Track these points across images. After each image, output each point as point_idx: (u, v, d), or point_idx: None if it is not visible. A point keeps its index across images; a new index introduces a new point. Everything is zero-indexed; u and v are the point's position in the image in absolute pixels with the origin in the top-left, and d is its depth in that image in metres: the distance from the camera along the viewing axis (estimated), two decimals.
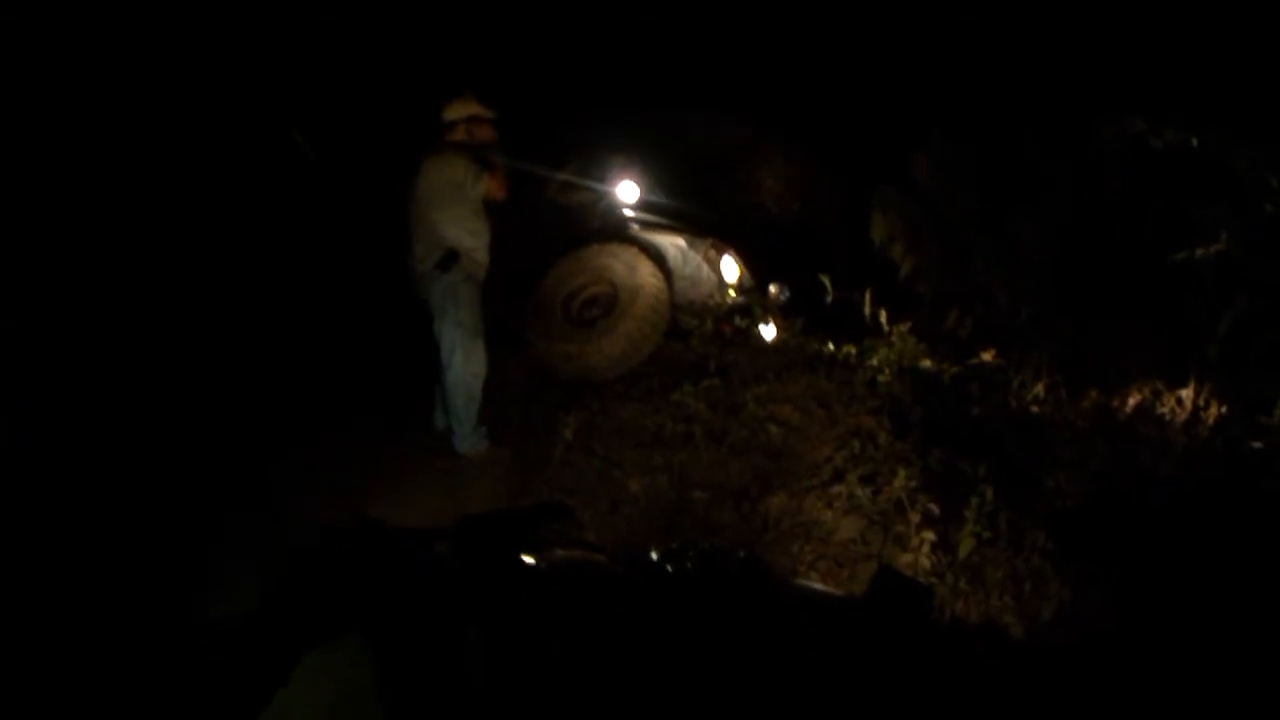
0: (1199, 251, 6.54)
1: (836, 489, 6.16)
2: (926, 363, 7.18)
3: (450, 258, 7.27)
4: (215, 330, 8.49)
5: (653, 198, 8.58)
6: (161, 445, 7.23)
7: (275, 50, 9.65)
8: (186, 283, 8.74)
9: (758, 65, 9.72)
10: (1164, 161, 6.92)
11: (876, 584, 2.80)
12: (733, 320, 8.08)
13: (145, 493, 6.64)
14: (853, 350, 7.34)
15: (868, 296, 7.61)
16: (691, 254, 8.62)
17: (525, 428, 7.81)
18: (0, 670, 4.51)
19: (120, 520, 6.33)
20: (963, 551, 5.59)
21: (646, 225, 8.58)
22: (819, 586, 4.40)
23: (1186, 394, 6.48)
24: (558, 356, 8.10)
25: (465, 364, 7.37)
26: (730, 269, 8.54)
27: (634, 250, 8.31)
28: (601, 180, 8.61)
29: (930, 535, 5.66)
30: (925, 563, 5.59)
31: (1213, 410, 6.33)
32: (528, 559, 2.83)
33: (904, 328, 7.35)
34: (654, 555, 2.90)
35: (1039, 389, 6.85)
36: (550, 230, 8.76)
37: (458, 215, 7.31)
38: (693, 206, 8.77)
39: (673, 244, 8.61)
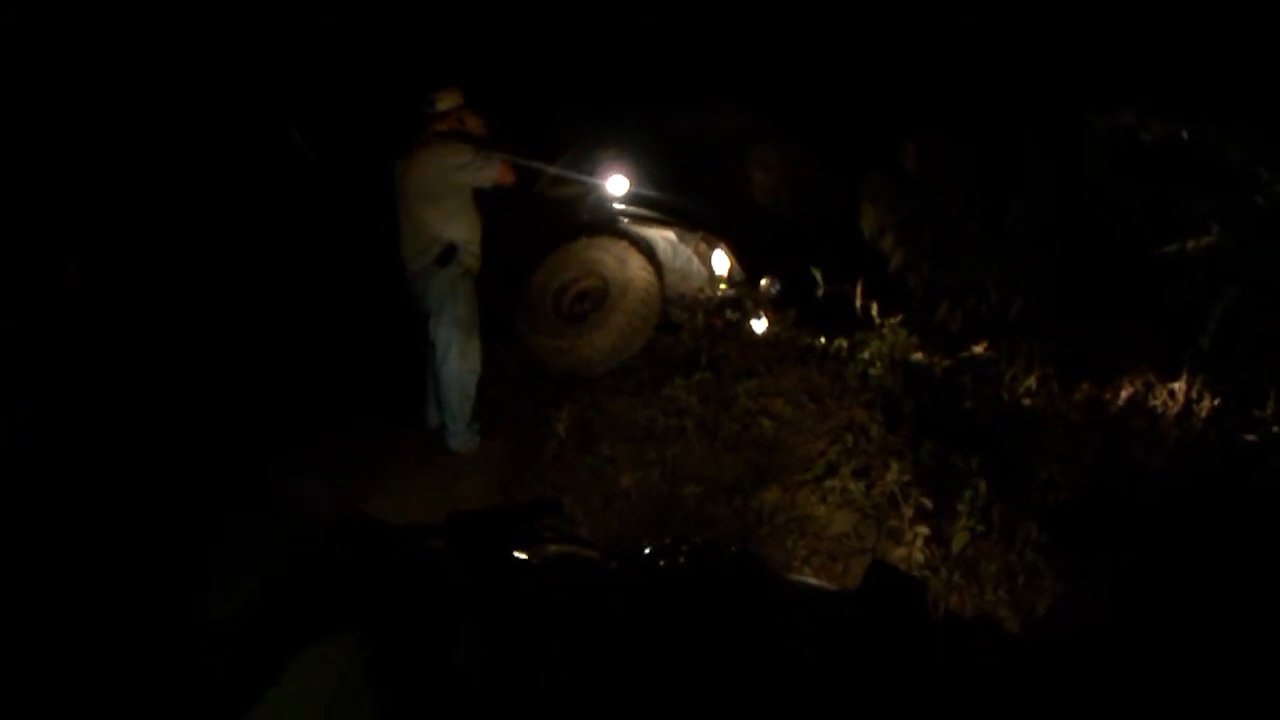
0: (1190, 244, 6.54)
1: (829, 483, 6.15)
2: (918, 356, 7.16)
3: (450, 252, 7.21)
4: (215, 330, 8.49)
5: (643, 191, 8.56)
6: (161, 444, 7.22)
7: (275, 50, 9.64)
8: (186, 282, 8.73)
9: (749, 58, 9.72)
10: (1155, 153, 6.92)
11: (870, 578, 2.79)
12: (724, 313, 8.06)
13: (145, 492, 6.63)
14: (844, 343, 7.33)
15: (859, 289, 7.59)
16: (682, 247, 8.61)
17: (517, 422, 7.80)
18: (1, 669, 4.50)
19: (120, 520, 6.31)
20: (956, 545, 5.58)
21: (636, 219, 8.57)
22: (813, 581, 4.38)
23: (1179, 386, 6.48)
24: (549, 351, 8.09)
25: (461, 361, 7.34)
26: (721, 262, 8.53)
27: (624, 244, 8.30)
28: (591, 174, 8.59)
29: (924, 529, 5.65)
30: (919, 557, 5.58)
31: (1205, 403, 6.33)
32: (521, 555, 2.81)
33: (895, 320, 7.34)
34: (646, 550, 2.89)
35: (1031, 382, 6.84)
36: (540, 224, 8.74)
37: (455, 208, 7.25)
38: (683, 200, 8.76)
39: (663, 237, 8.59)
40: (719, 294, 8.32)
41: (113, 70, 8.90)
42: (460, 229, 7.27)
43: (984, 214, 8.04)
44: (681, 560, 2.81)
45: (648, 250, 8.44)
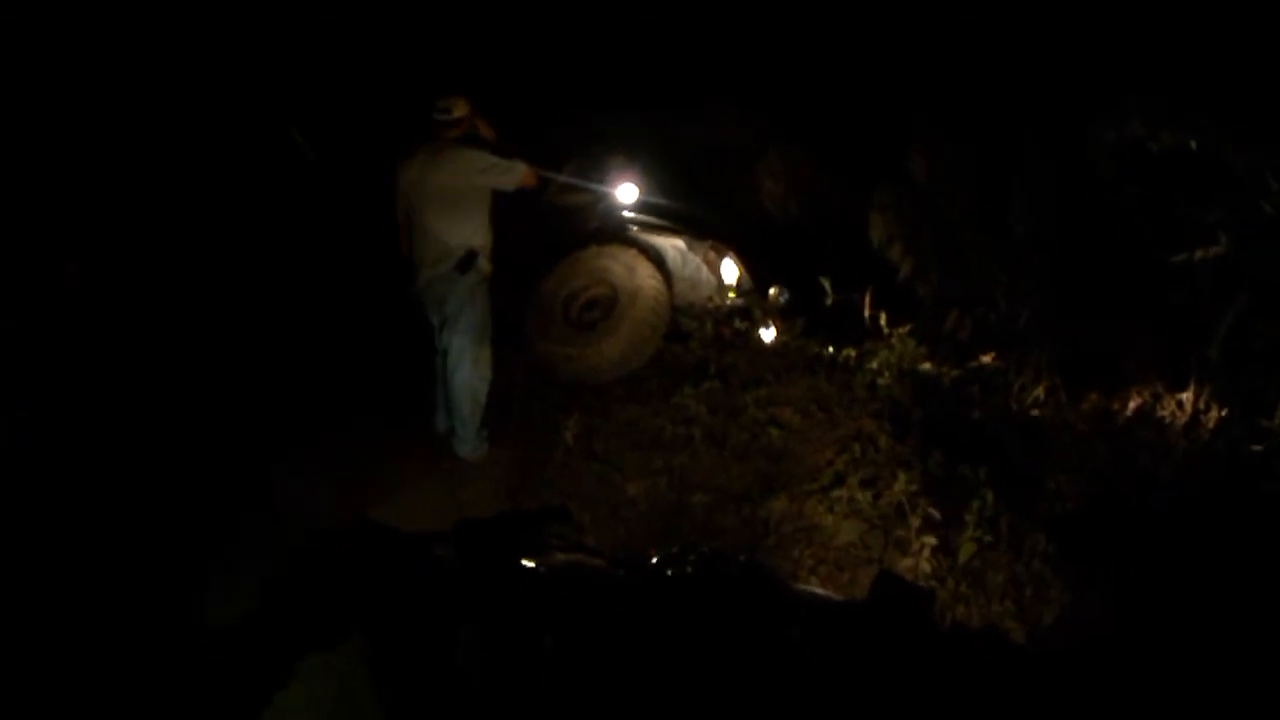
0: (1198, 253, 6.53)
1: (837, 493, 6.15)
2: (926, 365, 7.17)
3: (471, 258, 7.20)
4: (215, 330, 8.49)
5: (652, 199, 8.55)
6: (163, 446, 7.22)
7: (275, 50, 9.64)
8: (187, 282, 8.73)
9: (757, 66, 9.71)
10: (1162, 162, 6.92)
11: (877, 589, 2.80)
12: (732, 322, 8.07)
13: (145, 493, 6.64)
14: (852, 353, 7.33)
15: (867, 298, 7.59)
16: (691, 256, 8.61)
17: (525, 430, 7.80)
18: (1, 671, 4.50)
19: (120, 520, 6.32)
20: (963, 556, 5.59)
21: (645, 227, 8.57)
22: (820, 591, 4.39)
23: (1187, 397, 6.48)
24: (558, 358, 8.09)
25: (474, 368, 7.34)
26: (730, 271, 8.52)
27: (633, 252, 8.30)
28: (600, 182, 8.58)
29: (931, 540, 5.65)
30: (926, 567, 5.59)
31: (1213, 413, 6.32)
32: (528, 563, 2.82)
33: (904, 330, 7.33)
34: (654, 559, 2.89)
35: (1039, 392, 6.84)
36: (550, 232, 8.74)
37: (475, 213, 7.24)
38: (692, 208, 8.75)
39: (672, 246, 8.60)
40: (728, 303, 8.32)
41: (113, 70, 8.90)
42: (480, 235, 7.26)
43: (991, 222, 8.03)
44: (688, 569, 2.82)
45: (657, 259, 8.44)
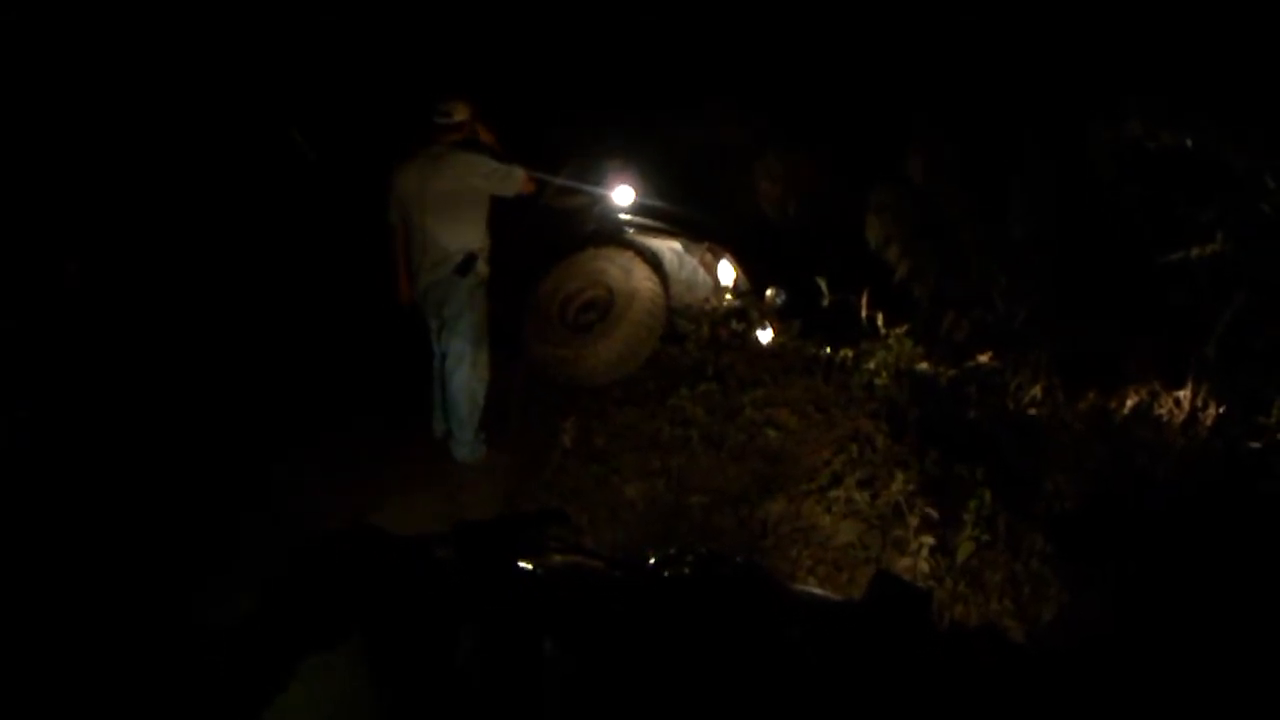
0: (1196, 252, 6.53)
1: (834, 493, 6.15)
2: (923, 365, 7.16)
3: (470, 261, 7.21)
4: (215, 331, 8.49)
5: (648, 201, 8.56)
6: (162, 445, 7.23)
7: (275, 50, 9.65)
8: (187, 283, 8.74)
9: (753, 66, 9.71)
10: (1160, 161, 6.92)
11: (875, 589, 2.79)
12: (729, 324, 8.07)
13: (145, 493, 6.64)
14: (849, 353, 7.32)
15: (864, 299, 7.59)
16: (687, 258, 8.62)
17: (523, 432, 7.81)
18: (1, 671, 4.51)
19: (120, 521, 6.32)
20: (961, 555, 5.58)
21: (642, 229, 8.58)
22: (818, 591, 4.39)
23: (1184, 395, 6.46)
24: (555, 361, 8.09)
25: (472, 370, 7.36)
26: (726, 272, 8.53)
27: (630, 254, 8.30)
28: (597, 184, 8.59)
29: (929, 539, 5.65)
30: (924, 567, 5.58)
31: (1211, 411, 6.31)
32: (526, 564, 2.82)
33: (901, 330, 7.33)
34: (652, 560, 2.89)
35: (1036, 391, 6.83)
36: (547, 234, 8.74)
37: (475, 217, 7.27)
38: (688, 210, 8.76)
39: (669, 248, 8.60)
40: (724, 304, 8.32)
41: (113, 70, 8.91)
42: (479, 238, 7.28)
43: (990, 222, 8.03)
44: (686, 570, 2.82)
45: (653, 261, 8.44)
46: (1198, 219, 6.61)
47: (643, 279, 8.11)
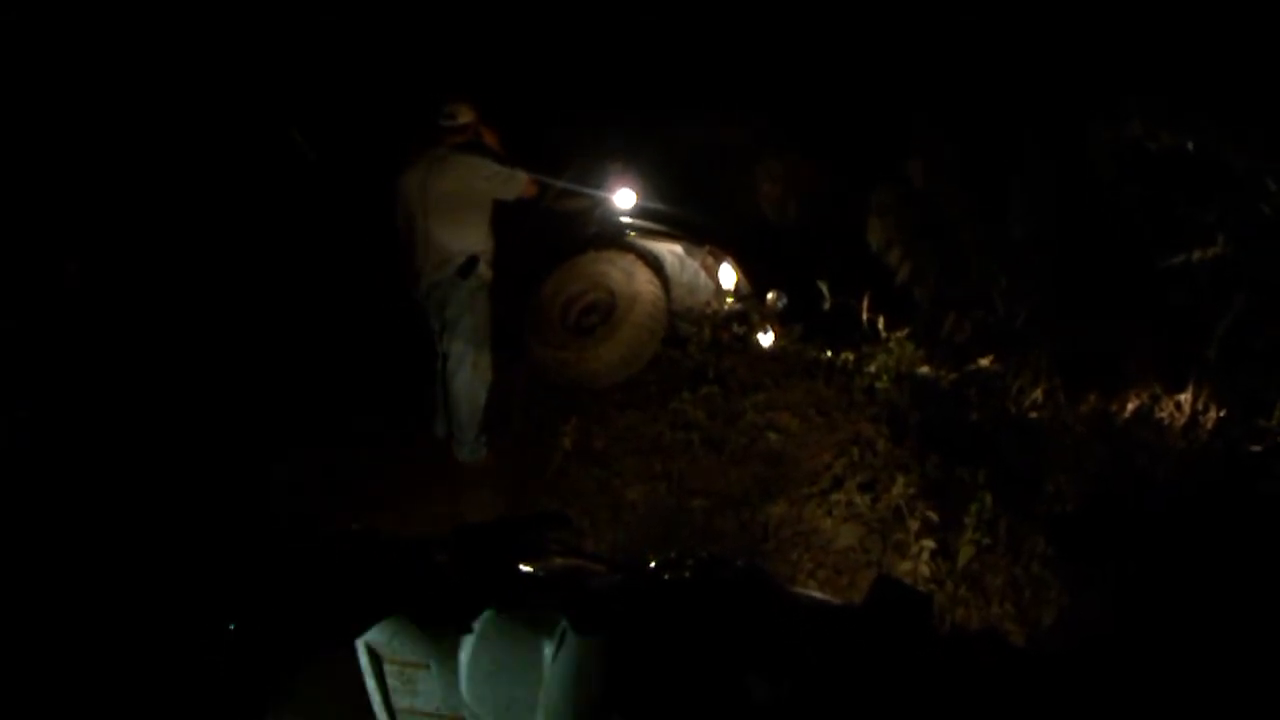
0: (1197, 254, 6.53)
1: (836, 496, 6.16)
2: (924, 369, 7.17)
3: (472, 264, 7.22)
4: (215, 331, 8.49)
5: (650, 204, 8.56)
6: (162, 446, 7.22)
7: (275, 50, 9.65)
8: (187, 283, 8.74)
9: (754, 69, 9.71)
10: (1161, 163, 6.92)
11: (875, 593, 2.79)
12: (731, 327, 8.06)
13: (145, 493, 6.64)
14: (851, 356, 7.32)
15: (865, 302, 7.59)
16: (689, 261, 8.60)
17: (524, 435, 7.80)
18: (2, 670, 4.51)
19: (120, 520, 6.32)
20: (962, 559, 5.59)
21: (644, 232, 8.57)
22: (818, 595, 4.39)
23: (1185, 397, 6.47)
24: (556, 363, 8.08)
25: (474, 372, 7.35)
26: (728, 276, 8.53)
27: (631, 257, 8.29)
28: (598, 187, 8.58)
29: (929, 543, 5.65)
30: (925, 570, 5.59)
31: (1211, 414, 6.32)
32: (527, 568, 2.82)
33: (902, 333, 7.34)
34: (653, 563, 2.89)
35: (1037, 394, 6.84)
36: (548, 237, 8.74)
37: (477, 220, 7.27)
38: (690, 213, 8.76)
39: (670, 251, 8.59)
40: (726, 307, 8.31)
41: (113, 70, 8.91)
42: (481, 241, 7.28)
43: (990, 223, 8.03)
44: (687, 573, 2.82)
45: (655, 264, 8.43)
46: (1198, 220, 6.62)
47: (644, 282, 8.10)
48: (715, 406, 7.18)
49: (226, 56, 9.55)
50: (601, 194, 8.53)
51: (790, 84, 9.55)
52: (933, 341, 7.53)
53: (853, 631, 2.70)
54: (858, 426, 6.72)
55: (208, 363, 8.17)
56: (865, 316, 7.56)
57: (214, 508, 6.63)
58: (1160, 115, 6.93)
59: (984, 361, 7.16)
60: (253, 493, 6.94)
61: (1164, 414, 6.51)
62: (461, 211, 7.21)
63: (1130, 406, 6.66)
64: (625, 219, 8.52)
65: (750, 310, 8.18)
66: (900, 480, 6.04)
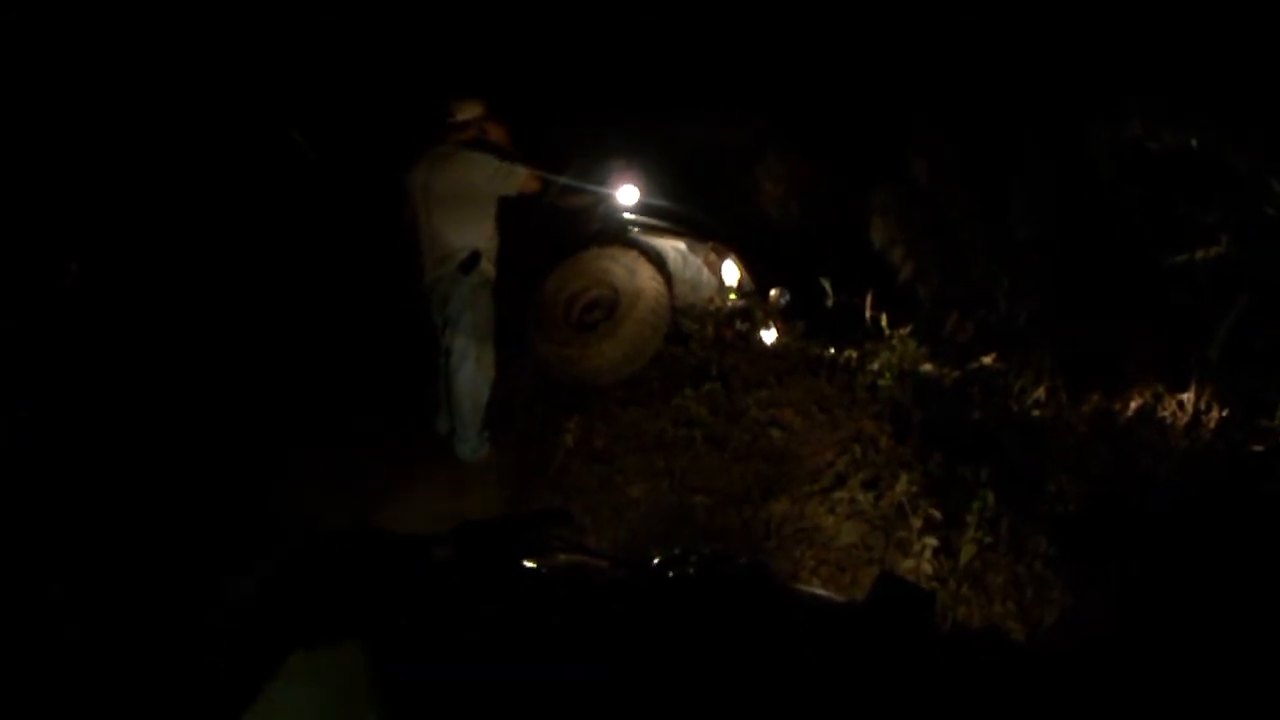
0: (1199, 253, 6.53)
1: (838, 494, 6.15)
2: (927, 367, 7.16)
3: (473, 260, 7.24)
4: (216, 331, 8.49)
5: (653, 201, 8.56)
6: (162, 445, 7.22)
7: (275, 50, 9.65)
8: (187, 283, 8.74)
9: (756, 68, 9.71)
10: (1162, 162, 6.92)
11: (878, 590, 2.78)
12: (733, 324, 8.05)
13: (145, 493, 6.64)
14: (854, 354, 7.32)
15: (868, 300, 7.59)
16: (692, 258, 8.61)
17: (527, 432, 7.80)
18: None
19: (120, 520, 6.32)
20: (964, 557, 5.58)
21: (646, 229, 8.57)
22: (821, 592, 4.39)
23: (1188, 397, 6.47)
24: (559, 360, 8.08)
25: (477, 368, 7.36)
26: (731, 273, 8.53)
27: (634, 254, 8.29)
28: (601, 184, 8.59)
29: (932, 541, 5.64)
30: (927, 568, 5.58)
31: (1214, 414, 6.32)
32: (528, 564, 2.82)
33: (905, 331, 7.33)
34: (655, 560, 2.88)
35: (1040, 393, 6.84)
36: (551, 233, 8.74)
37: (479, 216, 7.30)
38: (693, 210, 8.76)
39: (673, 248, 8.59)
40: (729, 304, 8.31)
41: (113, 70, 8.91)
42: (483, 237, 7.31)
43: (992, 223, 8.03)
44: (690, 570, 2.81)
45: (658, 260, 8.43)
46: (1200, 220, 6.62)
47: (647, 278, 8.10)
48: (718, 403, 7.17)
49: (227, 56, 9.55)
50: (605, 191, 8.53)
51: (791, 84, 9.56)
52: (935, 339, 7.53)
53: (855, 629, 2.69)
54: (860, 424, 6.71)
55: (207, 363, 8.17)
56: (868, 314, 7.56)
57: (213, 507, 6.63)
58: (1161, 115, 6.93)
59: (987, 360, 7.15)
60: (252, 491, 6.94)
61: (1167, 413, 6.51)
62: (463, 207, 7.24)
63: (1133, 406, 6.66)
64: (628, 215, 8.52)
65: (753, 307, 8.17)
66: (903, 478, 6.03)
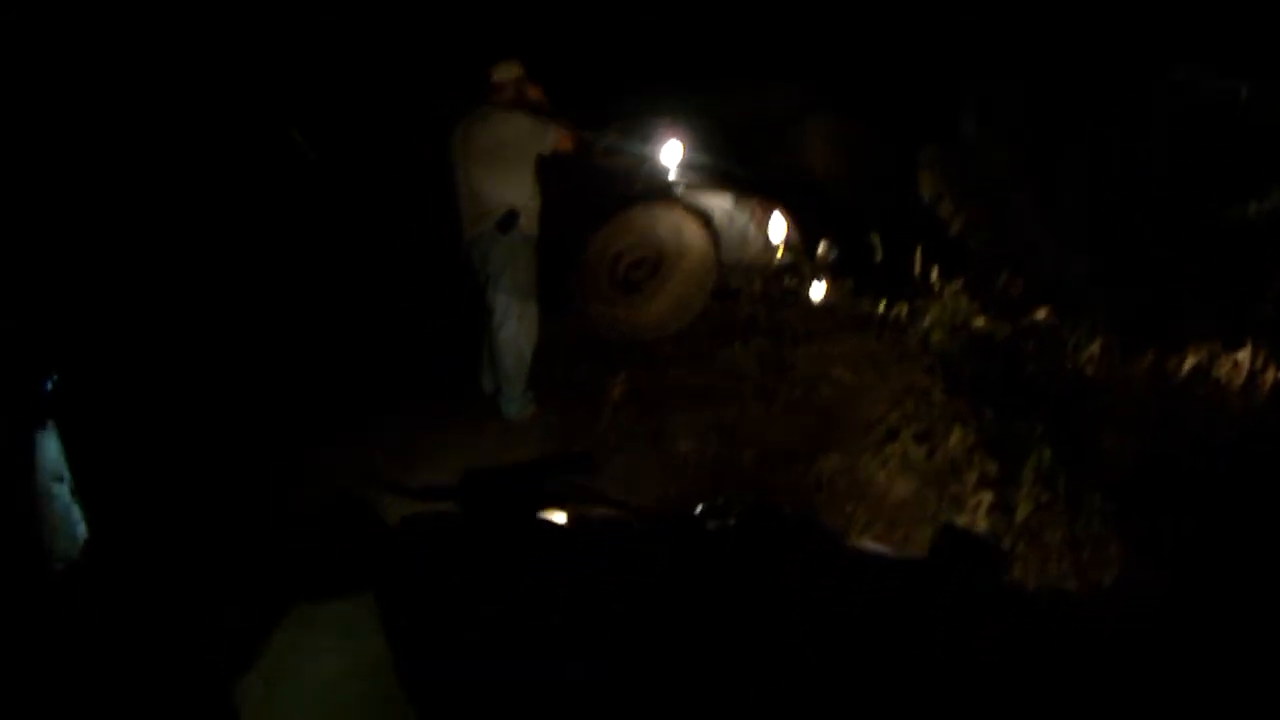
0: (1253, 207, 6.43)
1: (890, 448, 6.09)
2: (979, 322, 7.06)
3: (511, 218, 7.23)
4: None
5: (697, 158, 8.52)
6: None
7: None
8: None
9: (805, 31, 9.66)
10: (1215, 115, 6.82)
11: (940, 542, 2.68)
12: (781, 280, 8.01)
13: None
14: (904, 309, 7.23)
15: (917, 255, 7.49)
16: (738, 214, 8.57)
17: (572, 389, 7.78)
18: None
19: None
20: (1021, 514, 5.49)
21: (692, 186, 8.53)
22: (877, 546, 4.32)
23: (1243, 355, 6.36)
24: (605, 318, 8.08)
25: (519, 325, 7.35)
26: (778, 228, 8.48)
27: (680, 211, 8.27)
28: (646, 142, 8.56)
29: (988, 495, 5.57)
30: (983, 524, 5.51)
31: (1270, 374, 6.21)
32: (543, 515, 2.74)
33: (955, 286, 7.23)
34: (698, 510, 2.79)
35: (1094, 349, 6.74)
36: (596, 192, 8.70)
37: (516, 174, 7.30)
38: (738, 166, 8.71)
39: (719, 204, 8.56)
40: (776, 260, 8.26)
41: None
42: (521, 195, 7.29)
43: (1041, 179, 7.94)
44: (731, 522, 2.71)
45: (704, 217, 8.41)
46: (1255, 175, 6.52)
47: (693, 235, 8.08)
48: (767, 358, 7.14)
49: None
50: (649, 149, 8.50)
51: (841, 47, 9.50)
52: (987, 295, 7.43)
53: (918, 583, 2.60)
54: (912, 377, 6.65)
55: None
56: (918, 269, 7.46)
57: (263, 472, 6.64)
58: (1216, 67, 6.83)
59: (1039, 315, 7.05)
60: (298, 457, 6.94)
61: (1222, 372, 6.40)
62: (498, 166, 7.27)
63: (1188, 364, 6.55)
64: (673, 173, 8.48)
65: (801, 263, 8.12)
66: (957, 431, 5.96)
